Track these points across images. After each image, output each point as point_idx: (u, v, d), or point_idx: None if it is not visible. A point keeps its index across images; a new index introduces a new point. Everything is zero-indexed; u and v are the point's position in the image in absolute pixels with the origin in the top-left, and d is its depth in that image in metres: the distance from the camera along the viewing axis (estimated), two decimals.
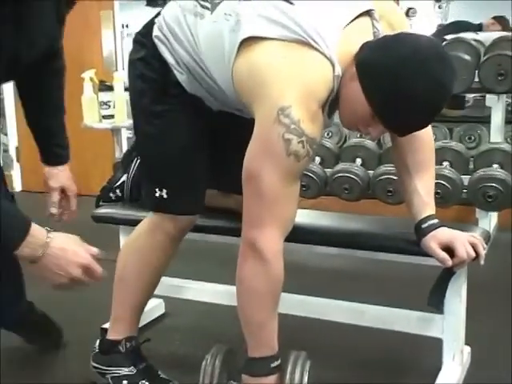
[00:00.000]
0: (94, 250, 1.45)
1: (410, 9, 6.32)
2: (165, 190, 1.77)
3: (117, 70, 4.35)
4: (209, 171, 1.84)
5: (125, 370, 1.85)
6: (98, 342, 1.95)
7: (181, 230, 1.84)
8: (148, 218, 1.87)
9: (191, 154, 1.77)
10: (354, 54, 1.50)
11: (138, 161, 2.06)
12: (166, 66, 1.71)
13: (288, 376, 1.55)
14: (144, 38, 1.76)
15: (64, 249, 1.38)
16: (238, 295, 1.58)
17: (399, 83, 1.42)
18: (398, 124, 1.51)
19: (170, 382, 1.90)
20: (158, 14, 1.75)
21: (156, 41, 1.71)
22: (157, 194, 1.78)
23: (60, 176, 1.96)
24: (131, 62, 1.80)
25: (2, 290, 2.11)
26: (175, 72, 1.70)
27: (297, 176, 1.52)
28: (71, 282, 1.40)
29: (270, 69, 1.47)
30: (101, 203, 2.21)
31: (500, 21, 5.15)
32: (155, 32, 1.72)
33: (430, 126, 1.78)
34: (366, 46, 1.50)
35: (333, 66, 1.47)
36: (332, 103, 1.53)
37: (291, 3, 1.53)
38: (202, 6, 1.63)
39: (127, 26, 7.39)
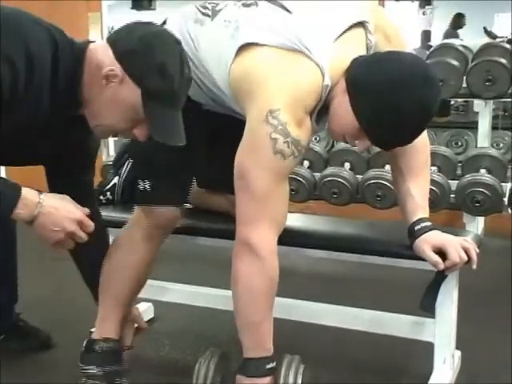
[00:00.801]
0: (84, 208, 1.54)
1: None
2: (148, 183, 1.79)
3: None
4: (194, 169, 1.89)
5: (91, 369, 1.82)
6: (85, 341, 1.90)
7: (159, 226, 1.83)
8: (134, 213, 1.88)
9: (176, 150, 1.78)
10: (346, 67, 1.55)
11: (130, 163, 2.04)
12: None
13: (282, 379, 1.55)
14: None
15: (57, 207, 1.48)
16: (234, 295, 1.57)
17: (385, 102, 1.48)
18: (383, 140, 1.57)
19: None
20: (164, 23, 1.78)
21: None
22: (141, 187, 1.80)
23: None
24: None
25: (2, 292, 2.12)
26: None
27: (285, 175, 1.57)
28: (68, 237, 1.50)
29: (264, 73, 1.54)
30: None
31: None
32: None
33: (425, 131, 1.79)
34: (356, 62, 1.56)
35: (323, 75, 1.53)
36: (320, 111, 1.59)
37: (289, 12, 1.60)
38: (203, 14, 1.70)
39: (113, 29, 7.32)
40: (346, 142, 1.67)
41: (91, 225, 1.53)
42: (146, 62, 1.47)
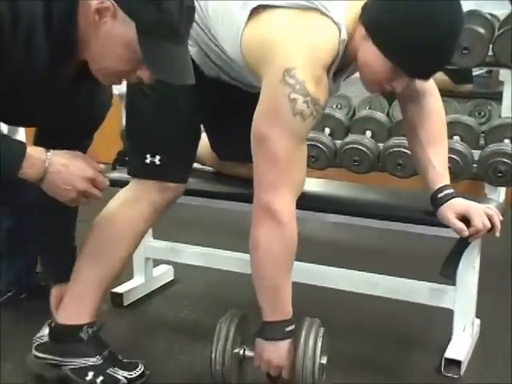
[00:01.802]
0: (99, 165, 1.49)
1: None
2: (158, 157, 1.74)
3: None
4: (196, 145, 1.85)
5: (90, 360, 1.69)
6: (46, 329, 1.75)
7: (167, 201, 1.79)
8: (131, 189, 1.80)
9: (188, 124, 1.77)
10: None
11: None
12: None
13: (302, 341, 1.56)
14: None
15: (66, 165, 1.43)
16: (253, 259, 1.57)
17: (411, 28, 1.43)
18: (420, 68, 1.52)
19: (137, 363, 1.78)
20: None
21: None
22: (147, 161, 1.75)
23: None
24: None
25: (17, 256, 2.14)
26: None
27: (304, 137, 1.54)
28: (80, 195, 1.46)
29: (278, 32, 1.51)
30: (117, 167, 2.19)
31: None
32: None
33: (440, 99, 1.78)
34: (368, 5, 1.52)
35: (339, 30, 1.49)
36: (337, 70, 1.56)
37: None
38: None
39: None
40: (384, 91, 1.62)
41: (104, 181, 1.49)
42: None
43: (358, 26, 1.52)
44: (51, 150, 1.43)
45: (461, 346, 1.91)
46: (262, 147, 1.51)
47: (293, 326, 1.58)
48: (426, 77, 1.59)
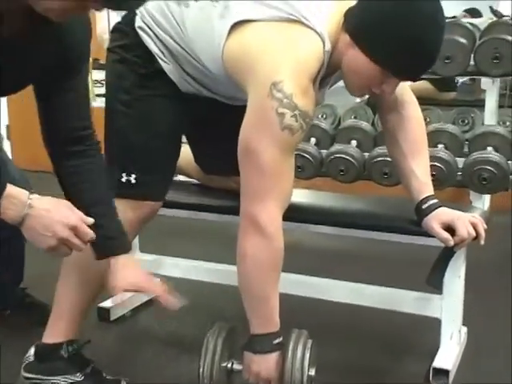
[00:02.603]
0: (86, 217, 1.38)
1: None
2: (133, 175, 1.73)
3: None
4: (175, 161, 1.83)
5: (71, 378, 1.70)
6: (32, 349, 1.76)
7: (142, 218, 1.78)
8: None
9: (166, 141, 1.76)
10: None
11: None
12: (150, 55, 1.70)
13: (290, 353, 1.56)
14: (126, 27, 1.74)
15: (49, 209, 1.33)
16: (241, 271, 1.57)
17: (397, 29, 1.44)
18: (410, 68, 1.51)
19: (120, 380, 1.78)
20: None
21: (139, 32, 1.70)
22: (123, 179, 1.73)
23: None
24: (111, 50, 1.78)
25: (7, 269, 2.12)
26: (161, 62, 1.70)
27: (292, 150, 1.53)
28: (60, 243, 1.34)
29: (262, 46, 1.50)
30: None
31: (472, 14, 5.15)
32: (138, 23, 1.71)
33: (419, 107, 1.81)
34: (350, 13, 1.53)
35: (323, 41, 1.50)
36: (322, 77, 1.56)
37: None
38: None
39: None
40: (374, 95, 1.61)
41: (89, 233, 1.37)
42: None
43: (340, 34, 1.53)
44: (35, 194, 1.34)
45: (448, 354, 1.92)
46: (249, 159, 1.51)
47: (281, 339, 1.58)
48: (414, 76, 1.57)
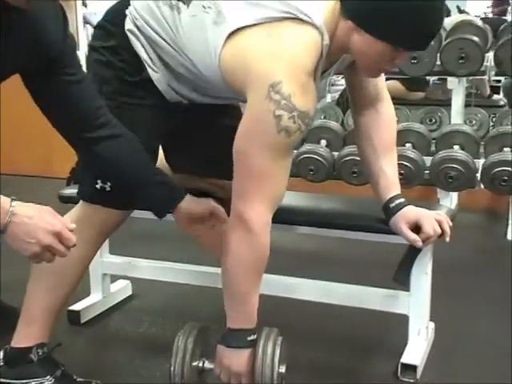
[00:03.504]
0: (69, 223, 1.37)
1: None
2: (109, 183, 1.71)
3: (78, 49, 4.27)
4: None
5: (41, 381, 1.69)
6: (0, 353, 1.74)
7: (113, 224, 1.78)
8: (78, 210, 1.78)
9: (147, 150, 1.70)
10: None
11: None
12: (138, 61, 1.66)
13: (260, 350, 1.57)
14: (113, 27, 1.68)
15: (32, 216, 1.31)
16: (224, 265, 1.58)
17: (399, 4, 1.42)
18: (420, 39, 1.50)
19: (91, 382, 1.78)
20: (127, 2, 1.68)
21: (129, 34, 1.65)
22: (98, 186, 1.71)
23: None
24: (95, 48, 1.72)
25: None
26: (149, 70, 1.66)
27: (287, 151, 1.52)
28: (44, 250, 1.32)
29: (256, 49, 1.48)
30: (72, 184, 2.17)
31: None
32: (128, 25, 1.65)
33: (392, 105, 1.83)
34: None
35: (322, 34, 1.48)
36: (323, 70, 1.55)
37: None
38: None
39: (86, 6, 7.26)
40: (386, 71, 1.62)
41: (72, 239, 1.35)
42: None
43: (338, 21, 1.51)
44: (17, 201, 1.32)
45: (416, 350, 1.95)
46: (242, 159, 1.50)
47: (255, 336, 1.59)
48: (425, 46, 1.55)
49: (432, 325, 2.07)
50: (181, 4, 1.60)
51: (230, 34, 1.51)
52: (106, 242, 2.30)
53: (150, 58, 1.66)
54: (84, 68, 1.66)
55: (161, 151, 1.99)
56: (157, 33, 1.63)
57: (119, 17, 1.68)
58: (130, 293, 2.53)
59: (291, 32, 1.47)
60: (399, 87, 4.59)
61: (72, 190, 2.08)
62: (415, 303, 1.93)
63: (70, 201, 1.86)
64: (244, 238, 1.53)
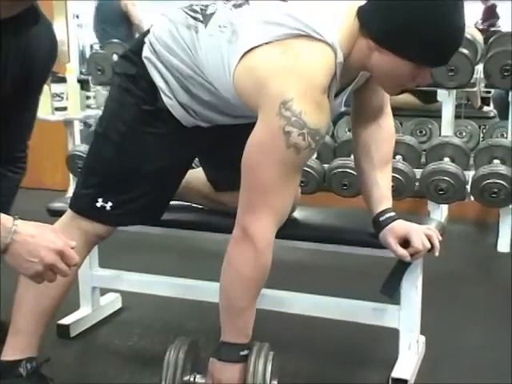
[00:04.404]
0: (69, 241, 1.37)
1: None
2: (110, 203, 1.72)
3: (69, 61, 4.27)
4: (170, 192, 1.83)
5: None
6: None
7: (101, 236, 1.79)
8: (65, 219, 1.78)
9: (152, 181, 1.74)
10: (355, 36, 1.50)
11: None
12: (154, 90, 1.67)
13: (252, 365, 1.57)
14: (136, 57, 1.70)
15: (34, 235, 1.31)
16: (224, 277, 1.58)
17: (422, 23, 1.43)
18: (443, 54, 1.51)
19: None
20: (148, 31, 1.71)
21: (146, 62, 1.67)
22: (98, 204, 1.72)
23: None
24: (119, 74, 1.74)
25: None
26: (163, 97, 1.67)
27: (296, 168, 1.51)
28: (46, 269, 1.32)
29: (269, 66, 1.47)
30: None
31: None
32: (145, 52, 1.67)
33: (392, 120, 1.84)
34: (366, 17, 1.50)
35: (335, 52, 1.47)
36: (339, 89, 1.56)
37: (283, 0, 1.54)
38: (195, 18, 1.61)
39: (77, 17, 7.26)
40: (407, 89, 1.61)
41: (75, 257, 1.36)
42: None
43: (357, 39, 1.51)
44: (19, 220, 1.32)
45: (407, 364, 1.94)
46: (251, 174, 1.50)
47: (247, 351, 1.59)
48: (447, 61, 1.55)
49: (422, 338, 2.06)
50: (199, 24, 1.60)
51: (244, 53, 1.50)
52: (96, 256, 2.29)
53: (167, 83, 1.66)
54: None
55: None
56: (175, 55, 1.63)
57: (140, 45, 1.70)
58: (119, 306, 2.51)
59: (304, 49, 1.46)
60: (413, 100, 4.51)
61: (60, 204, 2.08)
62: (405, 317, 1.93)
63: (58, 214, 1.85)
64: (247, 255, 1.52)
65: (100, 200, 1.72)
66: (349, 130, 3.59)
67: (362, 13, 1.51)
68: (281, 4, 1.54)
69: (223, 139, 1.79)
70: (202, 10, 1.62)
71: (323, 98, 1.46)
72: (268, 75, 1.46)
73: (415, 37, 1.45)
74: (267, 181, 1.48)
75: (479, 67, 3.27)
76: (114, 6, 5.96)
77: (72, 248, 1.36)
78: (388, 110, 1.82)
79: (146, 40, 1.69)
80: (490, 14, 6.23)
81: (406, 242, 1.73)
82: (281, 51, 1.47)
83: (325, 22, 1.49)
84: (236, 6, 1.59)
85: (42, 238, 1.32)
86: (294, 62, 1.46)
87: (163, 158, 1.72)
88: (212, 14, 1.60)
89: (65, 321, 2.25)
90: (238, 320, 1.58)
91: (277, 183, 1.49)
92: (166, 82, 1.66)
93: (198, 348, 1.71)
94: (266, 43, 1.49)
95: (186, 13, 1.64)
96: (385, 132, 1.80)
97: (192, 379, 1.64)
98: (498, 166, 3.09)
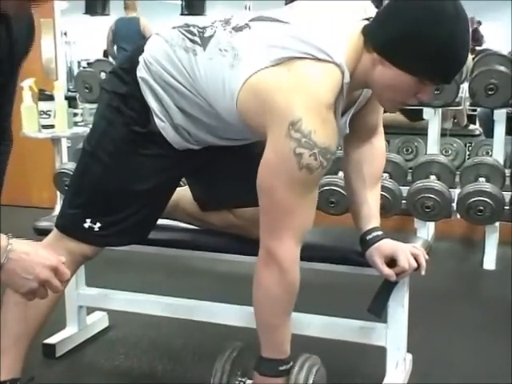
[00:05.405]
0: (61, 257, 1.37)
1: None
2: (98, 224, 1.71)
3: (57, 78, 4.28)
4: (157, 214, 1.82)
5: None
6: None
7: (87, 256, 1.77)
8: (52, 238, 1.76)
9: (140, 202, 1.73)
10: (359, 53, 1.50)
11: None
12: (147, 111, 1.65)
13: (293, 380, 1.62)
14: (127, 75, 1.68)
15: (29, 252, 1.31)
16: (255, 299, 1.62)
17: (426, 37, 1.43)
18: (447, 70, 1.50)
19: None
20: (141, 49, 1.67)
21: (140, 82, 1.64)
22: (86, 225, 1.71)
23: None
24: (109, 92, 1.71)
25: None
26: (156, 119, 1.65)
27: (312, 186, 1.52)
28: (41, 286, 1.33)
29: (274, 87, 1.46)
30: None
31: None
32: (140, 72, 1.64)
33: (384, 139, 1.85)
34: (371, 31, 1.50)
35: (342, 73, 1.47)
36: (344, 108, 1.56)
37: (286, 22, 1.54)
38: (192, 41, 1.60)
39: (66, 34, 7.26)
40: (408, 105, 1.62)
41: (67, 273, 1.36)
42: None
43: (362, 55, 1.51)
44: (14, 238, 1.31)
45: (394, 382, 1.94)
46: (267, 196, 1.51)
47: (288, 366, 1.63)
48: (451, 79, 1.56)
49: (409, 356, 2.07)
50: (197, 47, 1.59)
51: (249, 76, 1.49)
52: (82, 274, 2.28)
53: (161, 105, 1.64)
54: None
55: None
56: (172, 76, 1.61)
57: (132, 64, 1.67)
58: (106, 324, 2.50)
59: (310, 68, 1.46)
60: (400, 118, 4.55)
61: (47, 223, 2.07)
62: (392, 336, 1.93)
63: (45, 233, 1.84)
64: (275, 276, 1.55)
65: (88, 221, 1.71)
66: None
67: (367, 28, 1.51)
68: (285, 26, 1.53)
69: (212, 160, 1.79)
70: (199, 32, 1.61)
71: (329, 113, 1.45)
72: (274, 95, 1.46)
73: (417, 48, 1.45)
74: (284, 204, 1.49)
75: (464, 86, 3.31)
76: (133, 25, 6.43)
77: (63, 263, 1.36)
78: (381, 130, 1.83)
79: (141, 59, 1.65)
80: (474, 35, 6.33)
81: (392, 261, 1.73)
82: (287, 70, 1.46)
83: (333, 41, 1.49)
84: (236, 30, 1.57)
85: (36, 255, 1.32)
86: (299, 78, 1.45)
87: (153, 179, 1.71)
88: (210, 36, 1.59)
89: (51, 340, 2.24)
90: (273, 337, 1.63)
91: (294, 204, 1.50)
92: (161, 103, 1.64)
93: (250, 353, 1.74)
94: (272, 66, 1.48)
95: (183, 34, 1.62)
96: (377, 151, 1.82)
97: None
98: (483, 184, 3.12)
